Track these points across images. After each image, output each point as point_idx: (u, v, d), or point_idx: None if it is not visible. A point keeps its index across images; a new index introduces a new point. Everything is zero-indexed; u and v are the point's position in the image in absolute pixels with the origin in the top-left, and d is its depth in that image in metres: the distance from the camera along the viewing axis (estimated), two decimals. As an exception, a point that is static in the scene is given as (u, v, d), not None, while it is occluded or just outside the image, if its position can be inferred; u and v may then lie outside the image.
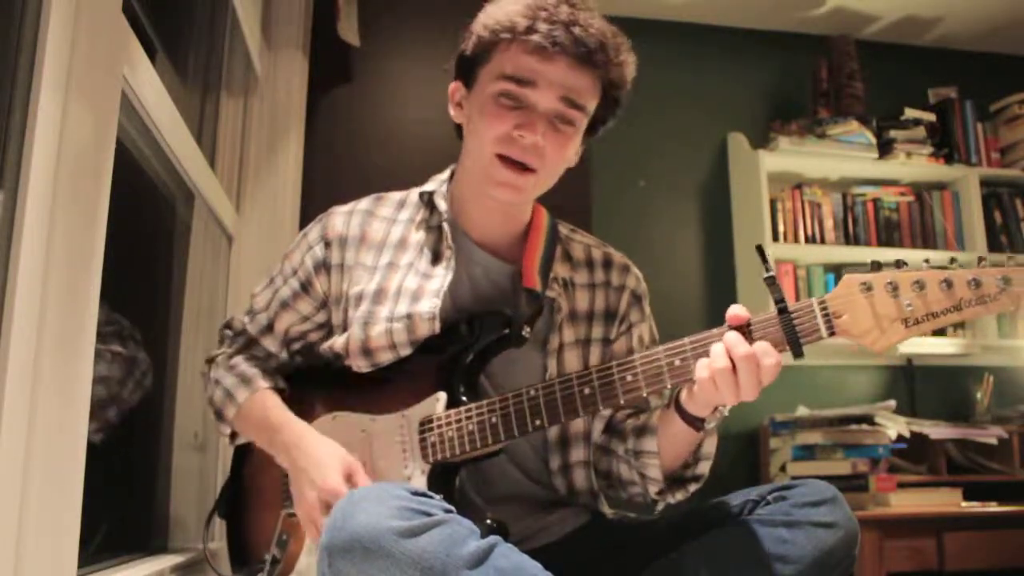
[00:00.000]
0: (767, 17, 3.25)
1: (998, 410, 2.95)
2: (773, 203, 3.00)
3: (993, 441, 2.72)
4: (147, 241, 1.66)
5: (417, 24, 2.23)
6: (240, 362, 1.22)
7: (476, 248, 1.20)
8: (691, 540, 1.04)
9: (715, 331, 0.98)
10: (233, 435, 1.23)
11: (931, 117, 3.19)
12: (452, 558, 0.82)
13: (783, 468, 2.68)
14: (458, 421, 1.07)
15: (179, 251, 1.74)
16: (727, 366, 0.94)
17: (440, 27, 2.26)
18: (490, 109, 1.09)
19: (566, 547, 1.17)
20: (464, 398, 1.09)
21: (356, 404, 1.15)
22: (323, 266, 1.19)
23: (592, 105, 1.12)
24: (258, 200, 1.95)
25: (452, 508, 0.89)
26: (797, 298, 2.95)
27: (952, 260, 0.90)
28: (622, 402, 1.02)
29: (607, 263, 1.26)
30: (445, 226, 1.18)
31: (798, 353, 0.95)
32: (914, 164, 3.09)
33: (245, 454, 1.26)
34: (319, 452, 1.07)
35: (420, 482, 1.07)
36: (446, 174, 1.26)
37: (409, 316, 1.11)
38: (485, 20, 1.11)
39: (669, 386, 1.01)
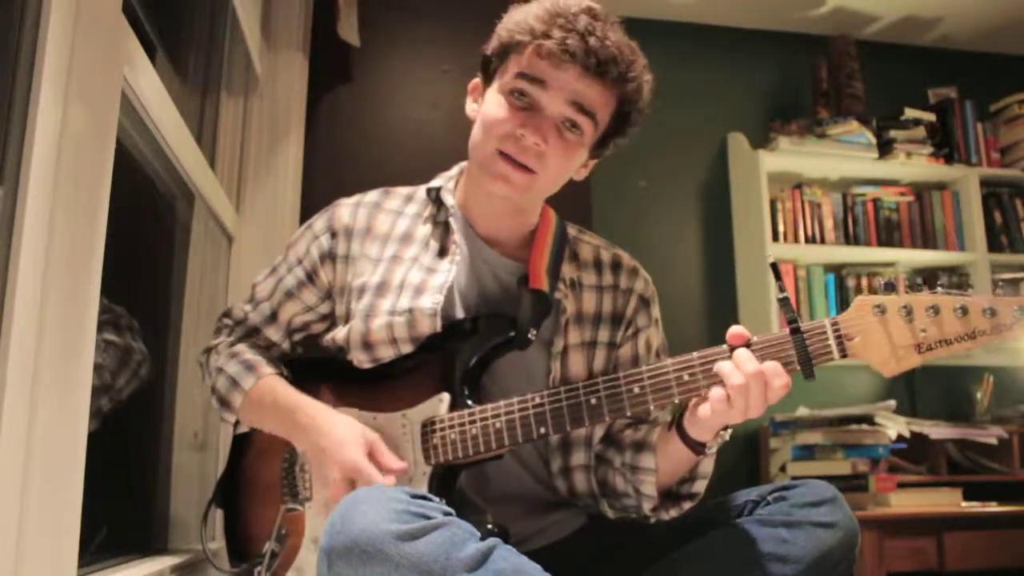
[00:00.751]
0: (767, 17, 3.25)
1: (998, 410, 2.95)
2: (773, 203, 3.00)
3: (993, 441, 2.73)
4: (147, 241, 1.65)
5: (417, 24, 2.23)
6: (243, 350, 1.21)
7: (483, 245, 1.19)
8: (691, 541, 1.04)
9: (724, 347, 0.97)
10: (236, 423, 1.22)
11: (931, 117, 3.19)
12: (452, 561, 0.82)
13: (783, 468, 2.68)
14: (461, 424, 1.06)
15: (179, 251, 1.73)
16: (743, 382, 0.93)
17: (440, 27, 2.26)
18: (501, 106, 1.10)
19: (566, 548, 1.17)
20: (469, 401, 1.08)
21: (358, 401, 1.15)
22: (328, 256, 1.19)
23: (603, 115, 1.12)
24: (258, 200, 1.95)
25: (451, 511, 0.89)
26: (797, 299, 2.95)
27: (968, 286, 0.89)
28: (628, 414, 1.01)
29: (616, 265, 1.25)
30: (452, 221, 1.18)
31: (809, 374, 0.94)
32: (914, 164, 3.09)
33: (243, 444, 1.25)
34: (337, 430, 1.06)
35: (421, 484, 1.07)
36: (454, 171, 1.26)
37: (411, 311, 1.11)
38: (507, 23, 1.13)
39: (677, 400, 1.00)
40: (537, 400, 1.04)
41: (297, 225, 1.97)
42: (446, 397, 1.09)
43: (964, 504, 2.60)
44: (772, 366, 0.94)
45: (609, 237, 1.31)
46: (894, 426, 2.60)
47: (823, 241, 3.04)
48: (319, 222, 1.22)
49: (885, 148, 3.09)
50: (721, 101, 3.18)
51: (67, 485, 0.92)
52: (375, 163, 2.12)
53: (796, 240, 3.00)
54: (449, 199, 1.20)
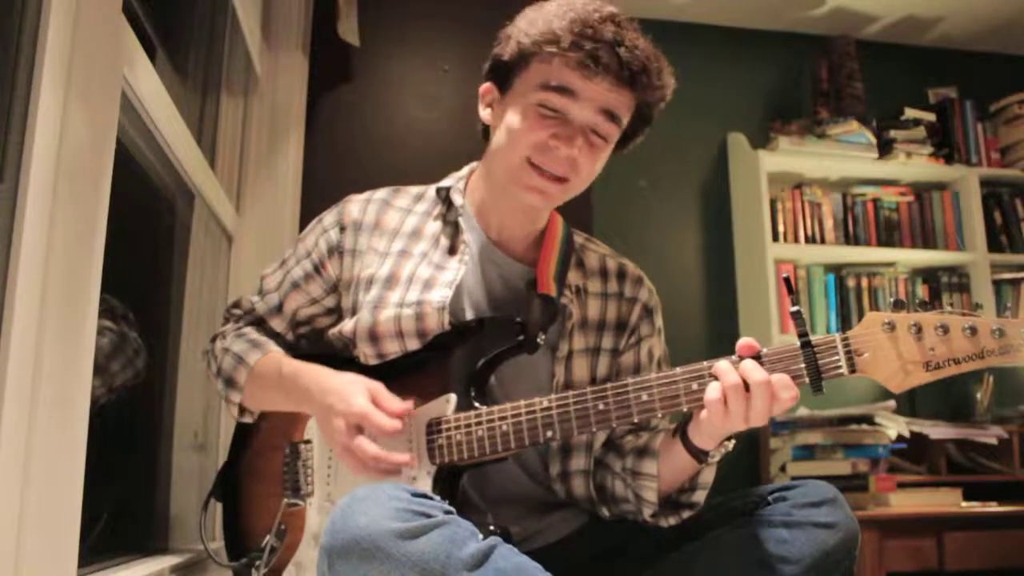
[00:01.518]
0: (767, 17, 3.25)
1: (998, 410, 2.95)
2: (773, 203, 3.00)
3: (993, 441, 2.72)
4: (147, 241, 1.65)
5: (417, 24, 2.24)
6: (249, 331, 1.23)
7: (492, 246, 1.20)
8: (691, 541, 1.04)
9: (735, 358, 0.97)
10: (241, 410, 1.21)
11: (931, 117, 3.19)
12: (452, 560, 0.82)
13: (783, 468, 2.68)
14: (467, 426, 1.06)
15: (179, 251, 1.74)
16: (738, 381, 0.93)
17: (440, 27, 2.26)
18: (529, 116, 1.09)
19: (566, 548, 1.17)
20: (475, 402, 1.08)
21: None
22: (336, 250, 1.19)
23: (627, 119, 1.13)
24: (258, 200, 1.95)
25: (452, 510, 0.89)
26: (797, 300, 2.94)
27: (977, 306, 0.90)
28: (636, 421, 1.01)
29: (621, 274, 1.26)
30: (461, 221, 1.19)
31: (817, 388, 0.94)
32: (914, 164, 3.09)
33: (246, 437, 1.25)
34: (339, 382, 1.06)
35: (425, 483, 1.06)
36: (464, 171, 1.27)
37: (419, 303, 1.11)
38: (527, 28, 1.10)
39: (685, 409, 0.99)
40: (545, 404, 1.03)
41: (297, 225, 1.98)
42: (453, 398, 1.09)
43: (964, 504, 2.60)
44: (781, 378, 0.93)
45: (609, 237, 1.32)
46: (894, 426, 2.60)
47: (823, 241, 3.04)
48: (329, 216, 1.23)
49: (885, 148, 3.09)
50: (721, 101, 3.18)
51: (67, 484, 0.92)
52: (375, 163, 2.12)
53: (796, 240, 3.00)
54: (458, 199, 1.21)
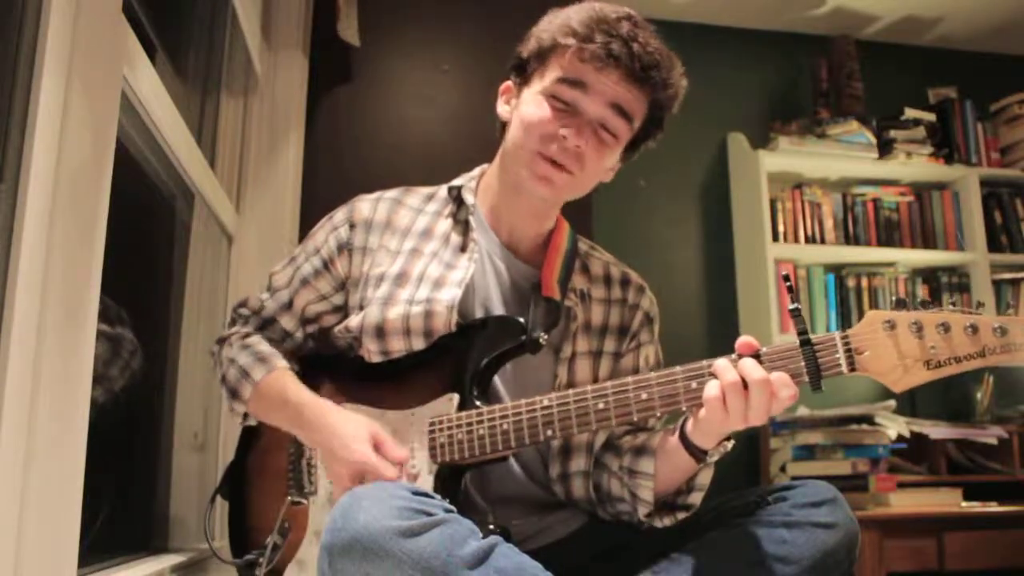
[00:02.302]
0: (767, 17, 3.25)
1: (998, 410, 2.95)
2: (773, 203, 3.00)
3: (993, 441, 2.72)
4: (147, 241, 1.65)
5: (417, 24, 2.24)
6: (256, 341, 1.22)
7: (500, 246, 1.21)
8: (691, 541, 1.04)
9: (733, 356, 0.97)
10: (244, 415, 1.22)
11: (931, 117, 3.19)
12: (453, 558, 0.82)
13: (783, 468, 2.68)
14: (469, 424, 1.06)
15: (179, 251, 1.74)
16: (736, 380, 0.93)
17: (440, 27, 2.26)
18: (541, 108, 1.11)
19: (566, 547, 1.17)
20: (477, 402, 1.08)
21: (366, 397, 1.15)
22: (346, 247, 1.20)
23: (638, 119, 1.15)
24: (258, 200, 1.95)
25: (453, 508, 0.89)
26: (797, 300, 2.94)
27: (979, 305, 0.90)
28: (635, 419, 1.01)
29: (625, 282, 1.28)
30: (472, 220, 1.19)
31: (816, 387, 0.94)
32: (914, 164, 3.09)
33: (251, 436, 1.26)
34: (345, 428, 1.07)
35: (427, 481, 1.07)
36: (475, 172, 1.28)
37: (429, 301, 1.12)
38: (546, 25, 1.14)
39: (684, 408, 0.99)
40: (545, 403, 1.04)
41: (297, 225, 1.98)
42: (455, 397, 1.09)
43: (964, 504, 2.60)
44: (781, 376, 0.93)
45: (609, 237, 1.32)
46: (894, 426, 2.60)
47: (823, 241, 3.03)
48: (339, 214, 1.23)
49: (885, 148, 3.09)
50: (721, 101, 3.18)
51: (67, 484, 0.92)
52: (375, 163, 2.12)
53: (796, 240, 3.00)
54: (470, 198, 1.22)
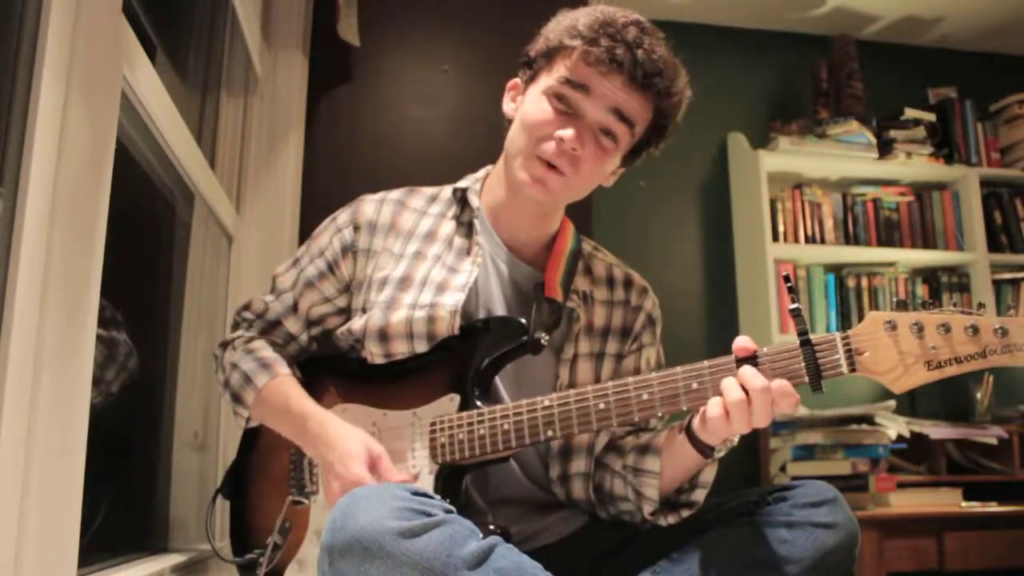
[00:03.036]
0: (767, 17, 3.25)
1: (998, 410, 2.95)
2: (773, 203, 3.00)
3: (993, 441, 2.72)
4: (147, 241, 1.65)
5: (417, 24, 2.23)
6: (260, 346, 1.22)
7: (504, 248, 1.21)
8: (691, 541, 1.04)
9: (732, 363, 0.97)
10: (248, 418, 1.22)
11: (931, 117, 3.19)
12: (452, 558, 0.82)
13: (783, 468, 2.68)
14: (470, 424, 1.06)
15: (179, 251, 1.74)
16: (741, 398, 0.93)
17: (440, 27, 2.26)
18: (542, 108, 1.11)
19: (566, 548, 1.17)
20: (478, 402, 1.08)
21: (368, 398, 1.15)
22: (350, 249, 1.20)
23: (640, 126, 1.14)
24: (258, 200, 1.95)
25: (452, 508, 0.89)
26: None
27: (980, 306, 0.89)
28: (636, 420, 1.01)
29: (628, 283, 1.27)
30: (476, 222, 1.19)
31: (817, 387, 0.94)
32: (914, 164, 3.09)
33: (254, 437, 1.26)
34: (344, 443, 1.06)
35: (427, 481, 1.07)
36: (481, 173, 1.28)
37: (432, 306, 1.12)
38: (555, 26, 1.14)
39: (684, 408, 0.99)
40: (546, 403, 1.04)
41: (297, 225, 1.98)
42: (456, 397, 1.09)
43: (964, 504, 2.60)
44: (781, 385, 0.93)
45: (609, 236, 1.32)
46: (894, 426, 2.60)
47: (823, 241, 3.04)
48: (343, 216, 1.23)
49: (885, 148, 3.09)
50: (721, 101, 3.18)
51: (67, 485, 0.92)
52: (375, 163, 2.12)
53: (796, 240, 3.00)
54: (475, 200, 1.21)
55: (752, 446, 2.86)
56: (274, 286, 1.27)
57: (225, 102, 1.94)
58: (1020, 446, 2.73)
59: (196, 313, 1.75)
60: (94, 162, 0.97)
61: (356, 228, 1.20)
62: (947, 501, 2.60)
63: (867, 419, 2.62)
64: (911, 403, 2.97)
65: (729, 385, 0.94)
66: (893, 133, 3.10)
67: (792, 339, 0.96)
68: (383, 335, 1.13)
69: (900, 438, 2.61)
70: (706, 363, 0.98)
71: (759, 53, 3.29)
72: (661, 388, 0.99)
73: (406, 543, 0.82)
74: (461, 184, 1.25)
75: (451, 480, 1.07)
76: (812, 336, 0.94)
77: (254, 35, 1.96)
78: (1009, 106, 3.23)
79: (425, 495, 0.90)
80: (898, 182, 3.19)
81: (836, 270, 3.07)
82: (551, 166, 1.10)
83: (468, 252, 1.18)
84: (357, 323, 1.16)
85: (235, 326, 1.30)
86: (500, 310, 1.18)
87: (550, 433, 1.03)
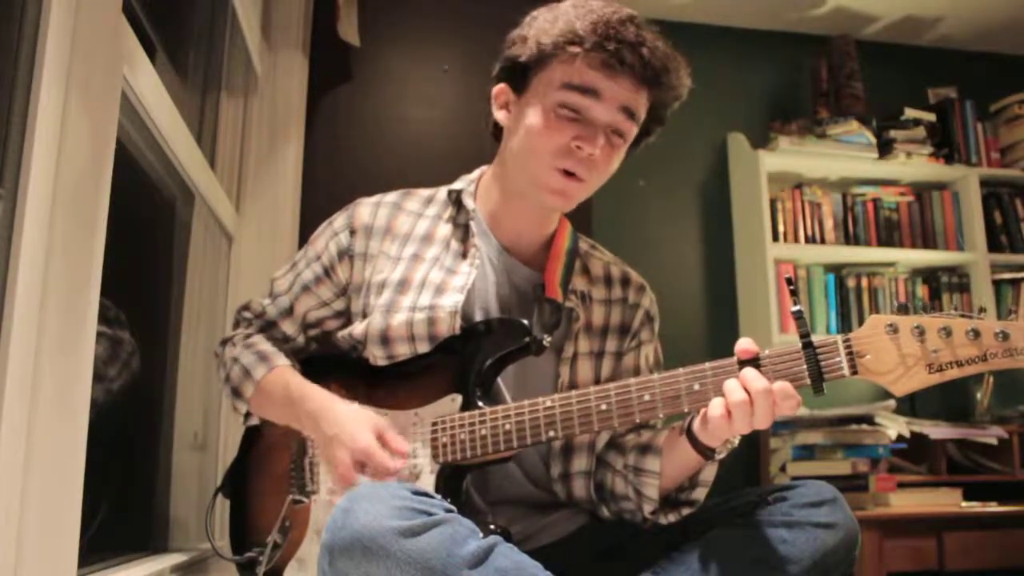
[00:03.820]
0: (767, 17, 3.25)
1: (998, 410, 2.95)
2: (773, 203, 3.00)
3: (993, 441, 2.72)
4: (147, 241, 1.65)
5: (417, 24, 2.24)
6: (258, 341, 1.23)
7: (501, 249, 1.21)
8: (691, 541, 1.04)
9: (734, 365, 0.97)
10: (247, 415, 1.22)
11: (931, 117, 3.19)
12: (453, 558, 0.82)
13: (783, 468, 2.68)
14: (471, 424, 1.06)
15: (179, 251, 1.74)
16: (744, 399, 0.93)
17: (440, 27, 2.26)
18: (550, 119, 1.09)
19: (566, 547, 1.17)
20: (480, 402, 1.09)
21: (369, 397, 1.15)
22: (347, 254, 1.20)
23: (643, 119, 1.15)
24: (258, 200, 1.95)
25: (453, 508, 0.89)
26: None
27: (981, 310, 0.89)
28: (637, 420, 1.01)
29: (625, 281, 1.27)
30: (472, 224, 1.19)
31: (819, 390, 0.94)
32: (914, 164, 3.09)
33: (254, 436, 1.26)
34: (346, 416, 1.07)
35: (428, 481, 1.07)
36: (475, 174, 1.27)
37: (431, 307, 1.12)
38: (547, 28, 1.10)
39: (686, 409, 1.00)
40: (548, 403, 1.04)
41: (297, 225, 1.98)
42: (459, 397, 1.10)
43: (964, 504, 2.60)
44: (783, 387, 0.93)
45: (609, 236, 1.32)
46: (894, 426, 2.60)
47: (823, 241, 3.03)
48: (339, 219, 1.23)
49: (885, 148, 3.09)
50: (721, 101, 3.18)
51: (67, 485, 0.92)
52: (375, 163, 2.12)
53: (796, 240, 3.00)
54: (470, 202, 1.21)
55: (752, 446, 2.86)
56: (271, 289, 1.27)
57: (225, 102, 1.94)
58: (1020, 446, 2.73)
59: (196, 313, 1.75)
60: (94, 162, 0.97)
61: (352, 232, 1.20)
62: (947, 501, 2.60)
63: (867, 419, 2.62)
64: (911, 403, 2.97)
65: (732, 386, 0.95)
66: (893, 133, 3.10)
67: (793, 340, 0.96)
68: (384, 339, 1.13)
69: (900, 438, 2.60)
70: (708, 365, 0.98)
71: (759, 53, 3.29)
72: (663, 389, 0.99)
73: (406, 542, 0.82)
74: (455, 186, 1.25)
75: (452, 480, 1.07)
76: (814, 338, 0.95)
77: (254, 35, 1.96)
78: (1009, 106, 3.23)
79: (426, 494, 0.90)
80: (898, 182, 3.19)
81: (836, 270, 3.07)
82: (569, 174, 1.10)
83: (465, 255, 1.18)
84: (358, 328, 1.16)
85: (235, 325, 1.31)
86: (497, 311, 1.18)
87: (552, 433, 1.03)
